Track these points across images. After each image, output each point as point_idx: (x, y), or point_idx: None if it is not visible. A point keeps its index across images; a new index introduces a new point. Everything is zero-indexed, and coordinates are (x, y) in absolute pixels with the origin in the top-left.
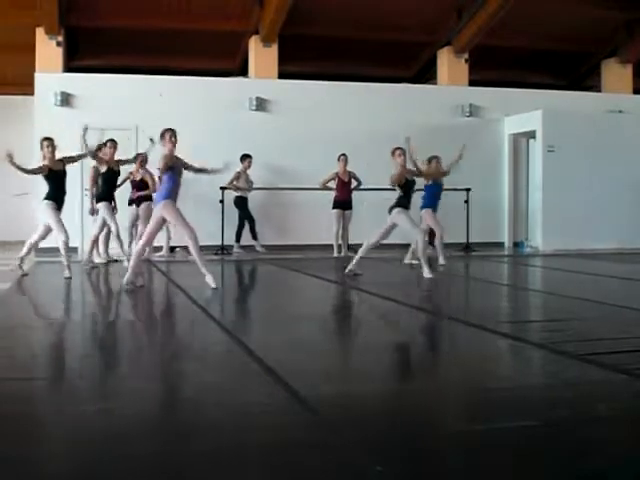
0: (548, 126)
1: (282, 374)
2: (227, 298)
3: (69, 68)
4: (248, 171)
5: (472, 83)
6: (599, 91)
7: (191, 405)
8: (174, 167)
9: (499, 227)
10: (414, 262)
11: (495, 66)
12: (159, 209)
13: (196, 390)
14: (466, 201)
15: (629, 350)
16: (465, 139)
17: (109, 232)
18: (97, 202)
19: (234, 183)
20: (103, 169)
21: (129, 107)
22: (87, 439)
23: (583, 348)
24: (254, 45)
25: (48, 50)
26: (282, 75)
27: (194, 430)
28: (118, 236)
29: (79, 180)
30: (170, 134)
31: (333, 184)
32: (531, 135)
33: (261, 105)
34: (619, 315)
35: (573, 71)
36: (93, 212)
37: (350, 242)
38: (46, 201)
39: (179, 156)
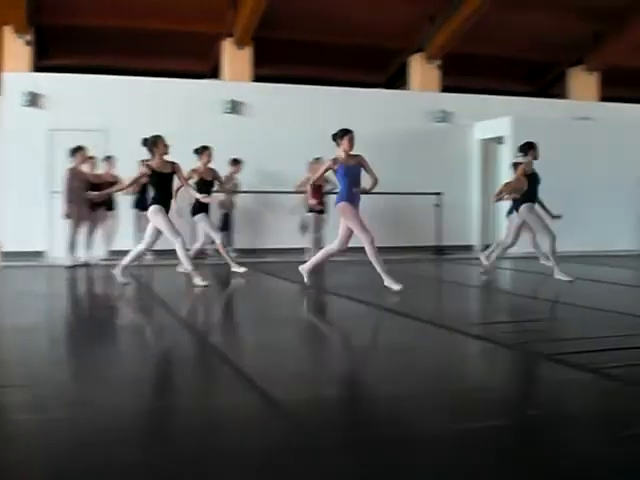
0: (517, 132)
1: (256, 378)
2: (200, 302)
3: (38, 68)
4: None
5: (444, 89)
6: (566, 98)
7: (164, 411)
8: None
9: (469, 230)
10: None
11: (466, 73)
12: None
13: (169, 395)
14: (437, 205)
15: (596, 350)
16: (436, 144)
17: (91, 232)
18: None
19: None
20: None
21: (99, 108)
22: (55, 448)
23: (552, 348)
24: (228, 48)
25: (16, 49)
26: (256, 78)
27: (168, 436)
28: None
29: (48, 181)
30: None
31: (307, 188)
32: (500, 141)
33: (235, 108)
34: (586, 315)
35: (541, 79)
36: (69, 215)
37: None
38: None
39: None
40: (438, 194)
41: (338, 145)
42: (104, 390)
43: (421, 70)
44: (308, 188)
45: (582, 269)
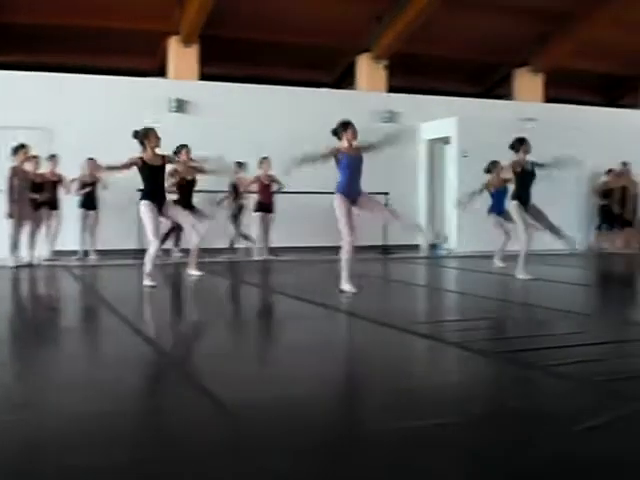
0: (463, 132)
1: (202, 380)
2: (146, 303)
3: None
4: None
5: (391, 89)
6: (512, 99)
7: (109, 415)
8: None
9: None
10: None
11: (413, 73)
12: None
13: (114, 399)
14: (385, 204)
15: (540, 347)
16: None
17: (34, 232)
18: None
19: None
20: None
21: (43, 106)
22: (2, 450)
23: (497, 346)
24: (174, 46)
25: None
26: (203, 77)
27: (114, 441)
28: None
29: None
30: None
31: (255, 187)
32: (446, 141)
33: (181, 106)
34: (529, 313)
35: (488, 80)
36: (11, 215)
37: (271, 245)
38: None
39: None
40: (385, 194)
41: (340, 139)
42: (50, 393)
43: (368, 70)
44: (255, 187)
45: (527, 268)
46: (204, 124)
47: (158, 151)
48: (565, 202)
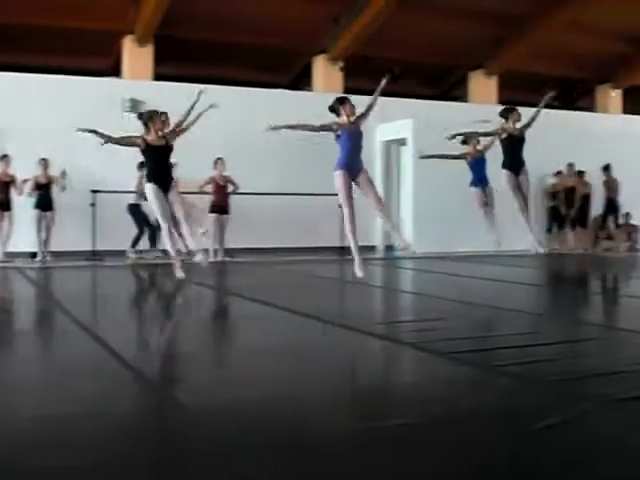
0: (419, 134)
1: (158, 382)
2: (100, 306)
3: None
4: None
5: (347, 91)
6: (467, 102)
7: (61, 418)
8: None
9: (372, 231)
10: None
11: (369, 75)
12: None
13: (66, 402)
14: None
15: (494, 347)
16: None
17: None
18: None
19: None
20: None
21: None
22: None
23: (452, 346)
24: (129, 45)
25: None
26: (158, 77)
27: (66, 445)
28: None
29: None
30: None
31: (210, 188)
32: (402, 142)
33: (135, 106)
34: (483, 314)
35: (443, 82)
36: None
37: (227, 247)
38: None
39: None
40: None
41: (338, 114)
42: (3, 395)
43: (324, 72)
44: (210, 188)
45: (481, 268)
46: None
47: (161, 134)
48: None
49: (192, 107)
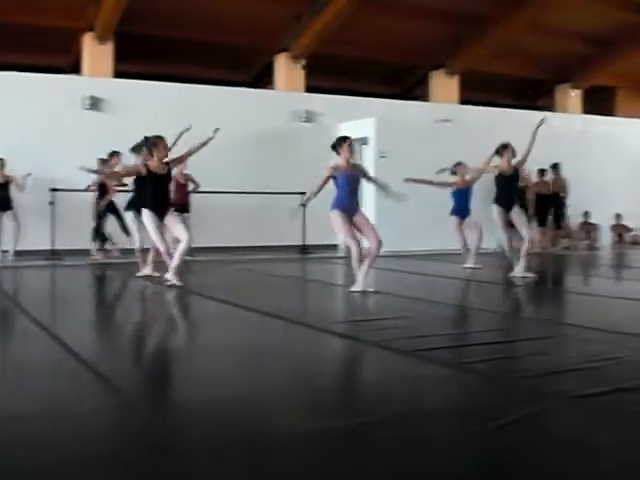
0: (380, 133)
1: (117, 382)
2: (59, 305)
3: None
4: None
5: (309, 89)
6: (429, 101)
7: (20, 418)
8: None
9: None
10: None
11: (332, 74)
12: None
13: (24, 402)
14: (302, 204)
15: (456, 345)
16: (301, 144)
17: None
18: None
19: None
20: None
21: None
22: None
23: (412, 344)
24: (89, 42)
25: None
26: (118, 74)
27: (25, 445)
28: None
29: None
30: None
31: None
32: (364, 141)
33: (95, 104)
34: (443, 312)
35: (404, 81)
36: None
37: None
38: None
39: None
40: (302, 194)
41: (338, 154)
42: None
43: (286, 70)
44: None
45: (443, 267)
46: (118, 122)
47: (165, 160)
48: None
49: (205, 144)
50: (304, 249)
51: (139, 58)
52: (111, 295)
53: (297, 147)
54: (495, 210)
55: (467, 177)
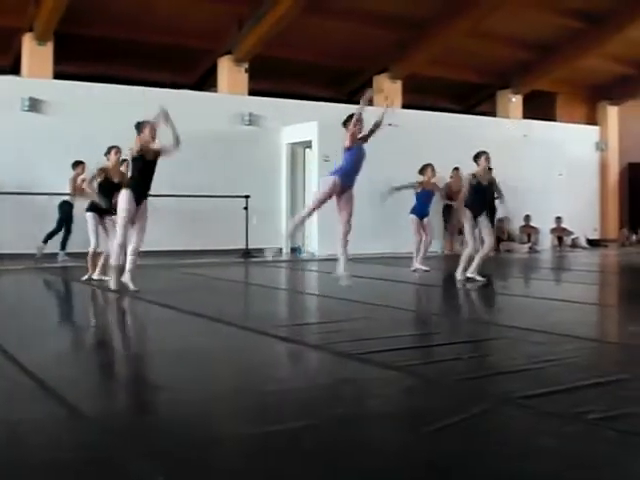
0: (323, 137)
1: (58, 389)
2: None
3: None
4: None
5: (252, 92)
6: (371, 105)
7: None
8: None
9: (277, 233)
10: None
11: (275, 77)
12: None
13: None
14: (245, 208)
15: (398, 348)
16: (245, 147)
17: None
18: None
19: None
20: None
21: None
22: None
23: (357, 347)
24: (28, 43)
25: None
26: (58, 75)
27: None
28: None
29: None
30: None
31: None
32: (307, 145)
33: (34, 106)
34: (386, 314)
35: (348, 85)
36: None
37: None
38: None
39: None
40: (246, 197)
41: (348, 130)
42: None
43: (229, 72)
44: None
45: (384, 270)
46: (58, 124)
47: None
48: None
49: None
50: (247, 253)
51: (80, 59)
52: (52, 300)
53: (240, 150)
54: (466, 214)
55: (433, 179)
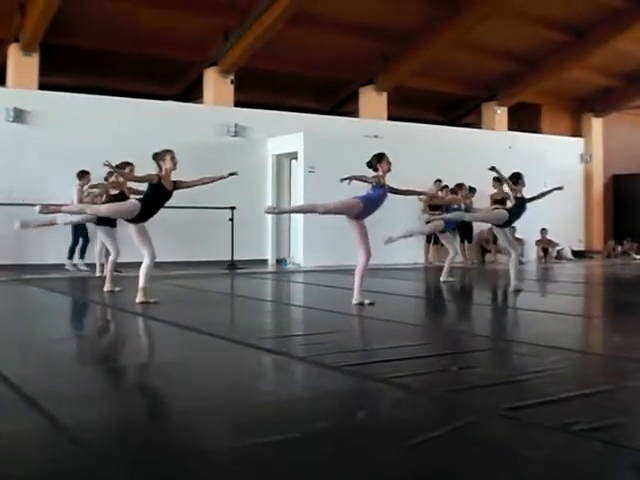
0: (309, 148)
1: (39, 401)
2: None
3: None
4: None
5: (238, 104)
6: (357, 116)
7: None
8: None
9: (263, 245)
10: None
11: (260, 88)
12: None
13: None
14: (231, 219)
15: (383, 360)
16: (230, 158)
17: None
18: None
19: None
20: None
21: None
22: None
23: (342, 359)
24: (13, 53)
25: None
26: (43, 86)
27: None
28: None
29: None
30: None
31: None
32: (293, 156)
33: (19, 116)
34: (371, 326)
35: (334, 97)
36: None
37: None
38: None
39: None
40: (232, 208)
41: (375, 170)
42: None
43: (215, 84)
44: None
45: (369, 281)
46: (43, 135)
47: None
48: (397, 216)
49: (215, 180)
50: (232, 264)
51: (66, 70)
52: (34, 311)
53: (226, 161)
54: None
55: (441, 193)
